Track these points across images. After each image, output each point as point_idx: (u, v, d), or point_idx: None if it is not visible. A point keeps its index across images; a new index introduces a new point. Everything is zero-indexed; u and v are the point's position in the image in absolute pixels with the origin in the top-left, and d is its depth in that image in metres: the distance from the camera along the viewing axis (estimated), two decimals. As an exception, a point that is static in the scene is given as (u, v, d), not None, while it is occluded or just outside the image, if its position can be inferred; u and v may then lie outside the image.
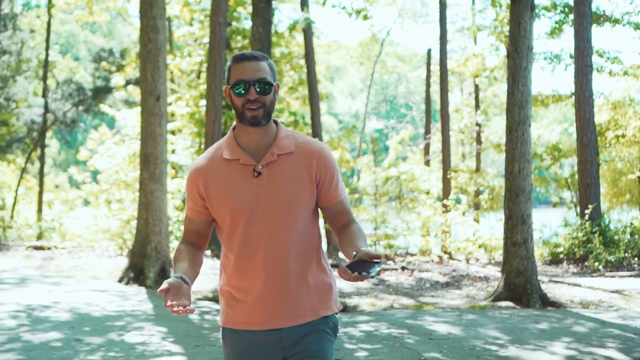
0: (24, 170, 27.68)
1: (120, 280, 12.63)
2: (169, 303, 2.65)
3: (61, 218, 23.86)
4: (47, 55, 28.92)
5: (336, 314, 3.14)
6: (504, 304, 10.95)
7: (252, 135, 2.99)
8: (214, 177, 2.98)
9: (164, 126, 12.62)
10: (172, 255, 14.31)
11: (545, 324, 9.20)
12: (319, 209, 3.13)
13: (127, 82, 26.91)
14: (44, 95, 27.74)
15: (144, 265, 12.41)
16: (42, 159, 28.51)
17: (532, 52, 11.59)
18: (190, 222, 3.12)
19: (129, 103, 28.05)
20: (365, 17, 12.62)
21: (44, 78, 28.54)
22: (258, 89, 2.93)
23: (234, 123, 3.07)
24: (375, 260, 2.64)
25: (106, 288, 11.90)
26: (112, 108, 27.35)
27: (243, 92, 2.93)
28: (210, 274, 13.57)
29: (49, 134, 30.31)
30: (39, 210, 27.45)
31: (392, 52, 58.53)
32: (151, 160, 12.47)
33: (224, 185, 2.96)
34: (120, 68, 27.46)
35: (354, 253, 2.77)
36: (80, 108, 27.52)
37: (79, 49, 70.67)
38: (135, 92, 27.94)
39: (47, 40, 28.98)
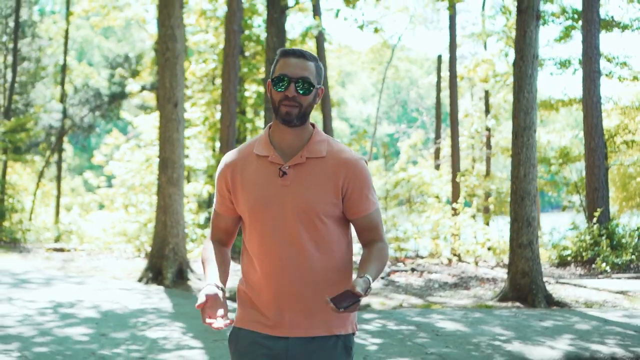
0: (42, 174, 28.21)
1: (139, 280, 13.09)
2: (207, 320, 2.64)
3: (78, 221, 24.34)
4: (65, 61, 29.51)
5: (351, 334, 3.00)
6: (509, 303, 11.32)
7: (286, 134, 2.92)
8: (241, 171, 2.93)
9: (181, 132, 13.07)
10: (189, 256, 14.82)
11: (549, 321, 9.58)
12: (350, 223, 3.03)
13: (143, 88, 27.43)
14: (62, 101, 28.29)
15: (162, 266, 12.85)
16: (59, 163, 29.07)
17: (537, 60, 11.98)
18: (217, 217, 3.07)
19: (144, 108, 28.58)
20: (376, 30, 13.04)
21: (62, 84, 29.09)
22: (298, 88, 2.85)
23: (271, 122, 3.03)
24: (357, 295, 2.60)
25: (127, 287, 12.35)
26: (128, 113, 27.91)
27: (283, 88, 2.85)
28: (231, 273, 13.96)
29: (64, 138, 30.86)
30: (57, 213, 27.97)
31: (403, 57, 58.84)
32: (169, 164, 12.92)
33: (248, 180, 2.90)
34: (135, 74, 27.98)
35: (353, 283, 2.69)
36: (97, 113, 28.07)
37: (93, 54, 71.37)
38: (150, 98, 28.48)
39: (65, 47, 29.54)
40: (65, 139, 32.17)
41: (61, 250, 18.82)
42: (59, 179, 28.91)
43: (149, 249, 15.53)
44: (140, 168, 20.53)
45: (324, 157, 2.90)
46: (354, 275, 2.90)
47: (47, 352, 7.25)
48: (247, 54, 22.70)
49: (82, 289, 11.82)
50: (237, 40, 17.41)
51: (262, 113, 22.36)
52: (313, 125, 2.98)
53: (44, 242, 22.49)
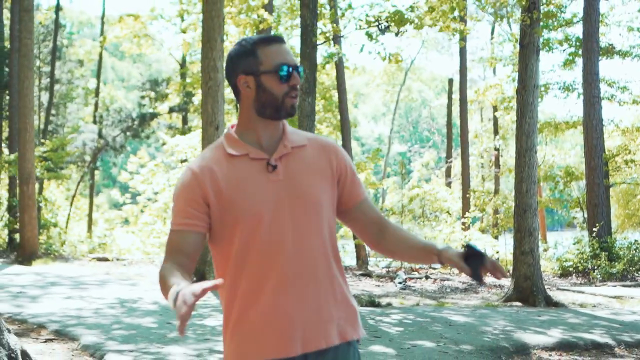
0: (77, 190, 29.97)
1: (185, 283, 14.70)
2: (179, 324, 2.10)
3: (112, 234, 26.04)
4: (98, 84, 31.38)
5: (358, 341, 2.69)
6: (513, 303, 12.89)
7: (269, 129, 2.59)
8: (221, 177, 2.52)
9: (221, 152, 14.71)
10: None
11: (546, 316, 11.12)
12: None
13: (171, 110, 29.21)
14: (95, 121, 30.14)
15: (204, 271, 14.44)
16: (92, 180, 30.86)
17: (538, 89, 13.60)
18: (179, 237, 2.53)
19: (171, 128, 30.35)
20: (398, 61, 14.64)
21: (95, 105, 30.95)
22: (299, 75, 2.60)
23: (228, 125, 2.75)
24: (478, 253, 2.48)
25: (176, 289, 13.96)
26: (156, 133, 29.72)
27: (288, 78, 2.55)
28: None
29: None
30: (89, 227, 29.71)
31: (414, 77, 60.49)
32: (211, 181, 14.54)
33: (234, 186, 2.50)
34: (164, 97, 29.77)
35: (462, 250, 2.52)
36: (128, 133, 29.87)
37: (112, 75, 73.27)
38: (177, 119, 30.27)
39: (99, 71, 31.42)
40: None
41: (104, 259, 20.49)
42: (91, 195, 30.73)
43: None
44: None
45: (306, 145, 2.64)
46: (345, 280, 2.66)
47: (127, 335, 8.83)
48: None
49: (137, 289, 13.42)
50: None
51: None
52: None
53: (80, 254, 24.15)
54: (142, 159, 31.04)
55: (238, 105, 2.72)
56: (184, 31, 29.22)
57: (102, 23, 32.96)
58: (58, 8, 28.13)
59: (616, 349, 9.01)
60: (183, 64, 30.71)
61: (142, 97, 30.77)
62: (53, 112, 29.68)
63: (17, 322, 9.54)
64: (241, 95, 2.60)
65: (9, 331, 6.73)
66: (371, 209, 2.73)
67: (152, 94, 30.32)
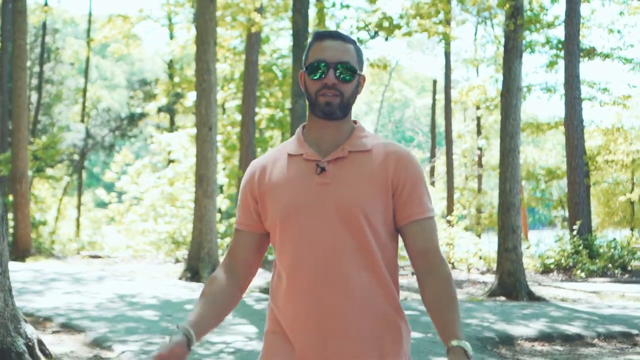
0: (65, 189, 30.25)
1: (179, 279, 15.13)
2: None
3: (101, 233, 26.39)
4: (85, 85, 31.67)
5: None
6: (497, 298, 13.40)
7: (325, 129, 2.47)
8: (270, 173, 2.49)
9: (214, 151, 15.15)
10: (221, 259, 16.70)
11: (528, 310, 11.63)
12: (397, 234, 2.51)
13: (159, 110, 29.57)
14: (83, 121, 30.44)
15: (199, 267, 14.88)
16: (80, 179, 31.15)
17: (521, 92, 14.13)
18: (237, 238, 2.57)
19: (159, 128, 30.71)
20: (385, 67, 15.17)
21: (83, 105, 31.25)
22: (338, 73, 2.42)
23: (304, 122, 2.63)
24: None
25: (172, 284, 14.37)
26: (143, 133, 30.10)
27: (320, 75, 2.43)
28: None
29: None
30: (77, 226, 30.00)
31: (396, 77, 60.93)
32: (204, 180, 14.97)
33: (279, 181, 2.46)
34: (152, 97, 30.12)
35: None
36: (117, 133, 30.17)
37: (96, 74, 73.32)
38: (165, 119, 30.63)
39: (86, 71, 31.72)
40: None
41: (96, 257, 20.86)
42: (79, 194, 30.97)
43: (178, 255, 17.57)
44: (172, 181, 22.64)
45: (370, 151, 2.47)
46: (399, 304, 2.50)
47: (133, 327, 9.25)
48: (262, 81, 24.91)
49: (135, 285, 13.82)
50: (255, 70, 19.56)
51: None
52: (355, 121, 2.57)
53: (70, 252, 24.45)
54: (126, 158, 31.38)
55: None
56: (171, 36, 29.69)
57: (89, 22, 33.26)
58: (47, 8, 28.41)
59: (595, 340, 9.54)
60: (170, 64, 31.07)
61: (131, 97, 31.11)
62: (42, 111, 29.98)
63: (24, 316, 9.95)
64: None
65: (26, 321, 7.14)
66: (420, 236, 2.44)
67: (141, 94, 30.67)
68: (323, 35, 2.48)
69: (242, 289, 2.56)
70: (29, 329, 7.02)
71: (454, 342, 2.31)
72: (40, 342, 7.11)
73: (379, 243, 2.40)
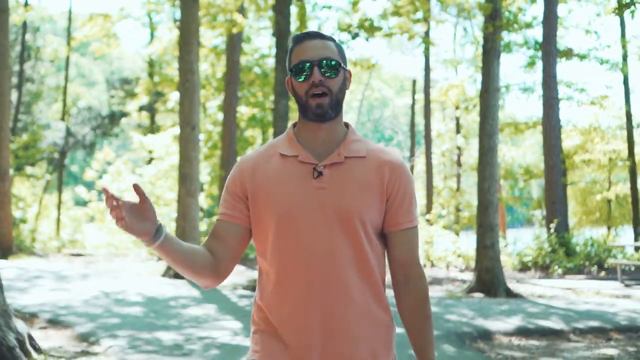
0: (46, 188, 30.24)
1: (163, 276, 15.26)
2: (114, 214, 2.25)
3: (82, 231, 26.44)
4: (66, 83, 31.63)
5: None
6: (476, 294, 13.66)
7: (317, 132, 2.49)
8: (264, 173, 2.48)
9: (197, 151, 15.30)
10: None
11: (507, 306, 11.90)
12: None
13: (140, 108, 29.64)
14: (63, 119, 30.45)
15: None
16: (60, 178, 31.14)
17: (499, 92, 14.39)
18: (217, 225, 2.54)
19: (140, 127, 30.79)
20: (369, 67, 15.37)
21: (64, 104, 31.25)
22: (323, 71, 2.43)
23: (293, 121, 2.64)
24: None
25: (155, 281, 14.51)
26: (125, 132, 30.16)
27: (305, 76, 2.44)
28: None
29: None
30: (58, 224, 30.01)
31: (376, 76, 61.23)
32: (187, 178, 15.12)
33: (275, 184, 2.45)
34: (133, 95, 30.19)
35: None
36: (97, 131, 30.22)
37: (75, 72, 73.00)
38: (145, 117, 30.69)
39: (67, 70, 31.66)
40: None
41: (78, 255, 20.95)
42: (59, 192, 30.94)
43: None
44: (156, 180, 22.75)
45: (365, 157, 2.49)
46: (387, 304, 2.53)
47: (119, 323, 9.41)
48: (243, 80, 25.07)
49: (119, 282, 13.95)
50: (236, 70, 19.72)
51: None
52: (347, 124, 2.57)
53: (51, 250, 24.50)
54: (107, 156, 31.41)
55: None
56: (152, 35, 29.72)
57: (70, 20, 33.22)
58: (29, 8, 28.40)
59: (570, 334, 9.81)
60: (151, 63, 31.12)
61: (112, 97, 31.16)
62: (23, 110, 29.96)
63: (11, 312, 10.08)
64: None
65: (17, 317, 7.30)
66: (406, 247, 2.50)
67: (121, 93, 30.74)
68: (302, 37, 2.49)
69: (217, 268, 2.50)
70: (19, 324, 7.17)
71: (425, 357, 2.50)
72: (30, 337, 7.26)
73: (371, 247, 2.45)
